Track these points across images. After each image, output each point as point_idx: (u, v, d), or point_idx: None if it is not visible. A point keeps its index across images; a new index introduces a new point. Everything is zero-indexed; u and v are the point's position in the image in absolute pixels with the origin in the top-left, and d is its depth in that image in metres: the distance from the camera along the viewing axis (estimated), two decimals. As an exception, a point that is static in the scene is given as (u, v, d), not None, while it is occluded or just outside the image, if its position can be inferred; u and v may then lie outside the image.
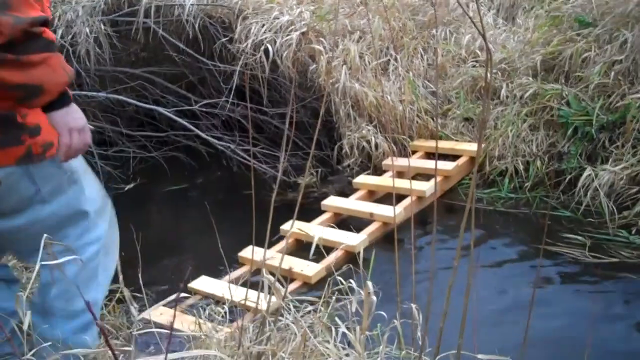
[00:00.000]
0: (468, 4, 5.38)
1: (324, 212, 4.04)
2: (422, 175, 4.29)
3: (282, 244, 3.51)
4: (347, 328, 1.84)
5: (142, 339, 2.65)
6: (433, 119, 4.63)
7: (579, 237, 3.44)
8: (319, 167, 4.73)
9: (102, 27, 4.81)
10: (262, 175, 4.58)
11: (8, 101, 1.60)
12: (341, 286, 2.06)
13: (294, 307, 2.18)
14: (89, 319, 1.91)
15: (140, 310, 2.93)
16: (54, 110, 1.65)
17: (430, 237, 3.61)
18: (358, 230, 3.69)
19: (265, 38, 4.53)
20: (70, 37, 4.75)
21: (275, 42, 4.52)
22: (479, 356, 1.52)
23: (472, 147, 4.35)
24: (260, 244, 2.11)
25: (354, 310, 1.79)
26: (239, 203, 3.84)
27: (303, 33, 4.54)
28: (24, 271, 3.01)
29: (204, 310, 2.74)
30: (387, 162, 4.43)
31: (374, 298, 1.66)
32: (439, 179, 4.13)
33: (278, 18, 4.58)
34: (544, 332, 2.58)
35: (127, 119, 5.54)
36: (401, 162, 4.36)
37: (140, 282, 2.39)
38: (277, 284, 1.99)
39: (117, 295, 2.89)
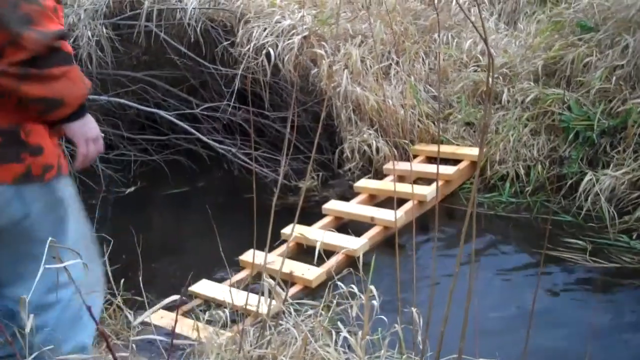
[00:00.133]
0: (470, 9, 5.39)
1: (324, 216, 4.04)
2: (423, 179, 4.29)
3: (282, 248, 3.51)
4: (349, 332, 1.84)
5: (143, 343, 2.65)
6: (434, 123, 4.63)
7: (580, 242, 3.43)
8: (320, 171, 4.73)
9: (104, 30, 4.82)
10: (263, 179, 4.58)
11: (14, 115, 1.59)
12: (342, 290, 2.06)
13: (295, 311, 2.18)
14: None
15: (141, 314, 2.94)
16: (72, 122, 1.67)
17: (431, 242, 3.61)
18: (359, 234, 3.68)
19: (267, 42, 4.53)
20: (72, 40, 4.76)
21: (276, 46, 4.52)
22: (480, 361, 1.52)
23: (473, 151, 4.35)
24: (261, 247, 2.11)
25: (354, 314, 1.79)
26: (239, 207, 3.84)
27: (305, 37, 4.54)
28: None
29: (205, 313, 2.74)
30: (388, 166, 4.43)
31: (375, 302, 1.66)
32: (440, 183, 4.13)
33: (280, 22, 4.59)
34: (544, 336, 2.58)
35: (129, 122, 5.54)
36: (402, 166, 4.36)
37: (141, 285, 2.40)
38: (278, 288, 1.99)
39: (118, 299, 2.90)
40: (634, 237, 3.42)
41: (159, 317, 3.02)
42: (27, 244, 1.63)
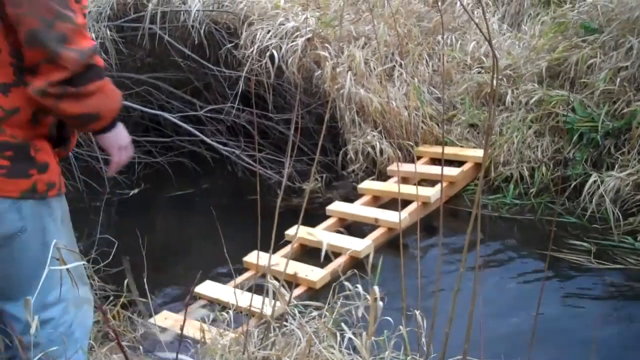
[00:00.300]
0: (473, 11, 5.39)
1: (328, 217, 4.04)
2: (427, 180, 4.29)
3: (287, 249, 3.51)
4: (354, 334, 1.84)
5: (147, 344, 2.66)
6: (438, 125, 4.62)
7: (585, 244, 3.43)
8: (323, 172, 4.73)
9: (108, 32, 4.83)
10: (267, 180, 4.59)
11: (26, 131, 1.61)
12: (347, 292, 2.06)
13: (299, 312, 2.18)
14: None
15: (145, 315, 2.95)
16: (106, 133, 1.72)
17: (436, 243, 3.61)
18: (363, 235, 3.68)
19: (271, 44, 4.54)
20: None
21: (280, 48, 4.53)
22: (485, 362, 1.52)
23: (477, 153, 4.34)
24: (265, 249, 2.11)
25: (360, 315, 1.79)
26: (243, 208, 3.84)
27: (308, 39, 4.55)
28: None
29: (209, 315, 2.74)
30: (392, 167, 4.43)
31: (381, 303, 1.66)
32: (444, 184, 4.12)
33: (283, 24, 4.60)
34: (550, 339, 2.57)
35: (132, 124, 5.55)
36: (406, 167, 4.36)
37: (146, 286, 2.40)
38: (282, 289, 1.99)
39: (122, 300, 2.90)
40: (638, 238, 3.41)
41: (162, 318, 3.03)
42: (19, 260, 1.64)
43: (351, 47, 4.67)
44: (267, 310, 2.04)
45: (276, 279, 2.06)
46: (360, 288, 1.91)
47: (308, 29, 4.56)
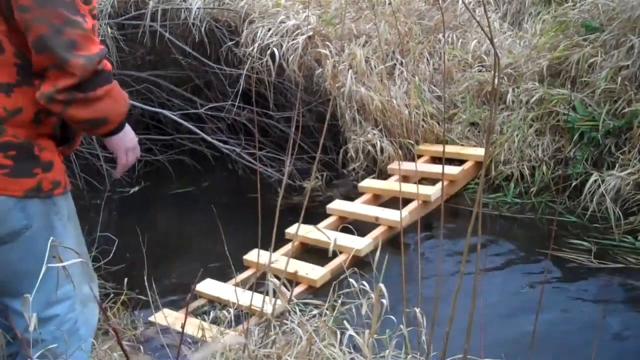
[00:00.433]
0: (475, 9, 5.38)
1: (329, 215, 4.04)
2: (428, 179, 4.29)
3: (287, 248, 3.51)
4: (356, 332, 1.84)
5: (148, 341, 2.66)
6: (439, 124, 4.62)
7: (585, 243, 3.42)
8: (324, 170, 4.73)
9: (109, 30, 4.82)
10: (267, 178, 4.59)
11: (29, 130, 1.60)
12: (347, 290, 2.06)
13: (300, 310, 2.18)
14: None
15: (146, 313, 2.95)
16: (113, 136, 1.72)
17: (436, 242, 3.61)
18: (363, 234, 3.68)
19: (272, 42, 4.53)
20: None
21: (281, 46, 4.52)
22: (485, 361, 1.52)
23: (478, 151, 4.34)
24: (265, 247, 2.11)
25: (364, 313, 1.79)
26: (244, 206, 3.84)
27: (309, 37, 4.54)
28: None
29: (209, 313, 2.74)
30: (393, 166, 4.42)
31: (385, 302, 1.66)
32: (444, 183, 4.12)
33: (284, 22, 4.59)
34: (550, 338, 2.57)
35: (133, 122, 5.54)
36: (407, 166, 4.35)
37: (146, 284, 2.40)
38: (283, 288, 2.00)
39: (122, 297, 2.90)
40: (639, 237, 3.40)
41: (163, 316, 3.03)
42: (25, 258, 1.64)
43: (352, 45, 4.67)
44: (268, 309, 2.04)
45: (277, 277, 2.06)
46: (366, 286, 1.91)
47: (309, 27, 4.55)
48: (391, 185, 4.22)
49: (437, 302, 1.63)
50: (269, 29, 4.58)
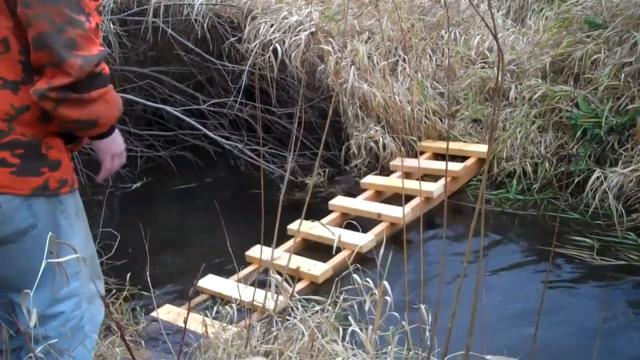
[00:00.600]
0: (478, 5, 5.37)
1: (331, 212, 4.04)
2: (430, 175, 4.28)
3: (289, 244, 3.51)
4: (360, 328, 1.84)
5: (150, 337, 2.66)
6: (441, 120, 4.62)
7: (587, 240, 3.42)
8: (326, 167, 4.73)
9: (112, 26, 4.82)
10: (269, 174, 4.59)
11: (35, 128, 1.60)
12: (349, 287, 2.06)
13: (302, 306, 2.18)
14: None
15: (148, 308, 2.96)
16: (101, 139, 1.72)
17: (438, 238, 3.61)
18: (365, 230, 3.68)
19: (274, 38, 4.53)
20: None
21: (283, 42, 4.52)
22: (488, 357, 1.51)
23: (481, 148, 4.33)
24: (267, 243, 2.11)
25: (367, 309, 1.79)
26: (246, 202, 3.84)
27: (312, 33, 4.54)
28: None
29: (211, 308, 2.74)
30: (395, 162, 4.42)
31: (389, 298, 1.66)
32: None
33: (287, 18, 4.58)
34: (552, 334, 2.57)
35: (135, 118, 5.55)
36: (409, 162, 4.35)
37: (148, 280, 2.40)
38: (285, 284, 2.00)
39: (124, 293, 2.91)
40: (641, 234, 3.41)
41: (165, 311, 3.03)
42: (31, 256, 1.64)
43: (354, 41, 4.66)
44: (270, 305, 2.04)
45: (279, 273, 2.06)
46: (370, 282, 1.91)
47: (311, 23, 4.55)
48: (393, 181, 4.22)
49: (440, 298, 1.62)
50: (272, 25, 4.58)
